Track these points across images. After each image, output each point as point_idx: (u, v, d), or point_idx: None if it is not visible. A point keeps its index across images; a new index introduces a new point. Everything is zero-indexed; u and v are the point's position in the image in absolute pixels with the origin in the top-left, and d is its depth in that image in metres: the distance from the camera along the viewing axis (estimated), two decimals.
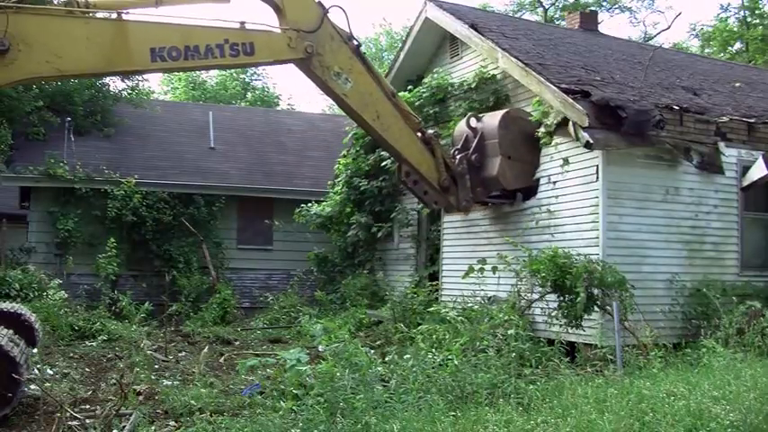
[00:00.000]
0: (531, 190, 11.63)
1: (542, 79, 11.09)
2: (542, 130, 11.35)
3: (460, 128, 11.78)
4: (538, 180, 11.58)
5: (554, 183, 11.27)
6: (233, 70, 42.53)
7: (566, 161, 11.08)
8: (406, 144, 10.39)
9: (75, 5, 7.56)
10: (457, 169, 11.08)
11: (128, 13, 7.73)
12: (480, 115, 11.75)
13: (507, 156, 11.35)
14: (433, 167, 10.78)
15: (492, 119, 11.49)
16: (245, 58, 8.36)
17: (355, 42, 9.58)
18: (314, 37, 8.89)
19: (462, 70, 13.85)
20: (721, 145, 11.37)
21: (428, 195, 11.02)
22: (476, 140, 11.37)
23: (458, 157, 11.22)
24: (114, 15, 7.67)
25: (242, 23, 8.35)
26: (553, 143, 11.25)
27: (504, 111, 11.74)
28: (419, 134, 10.69)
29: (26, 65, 6.98)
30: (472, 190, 11.23)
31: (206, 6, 9.00)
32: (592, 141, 10.12)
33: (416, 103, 13.93)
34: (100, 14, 7.88)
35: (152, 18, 7.93)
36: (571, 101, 10.45)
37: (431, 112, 13.86)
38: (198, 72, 42.12)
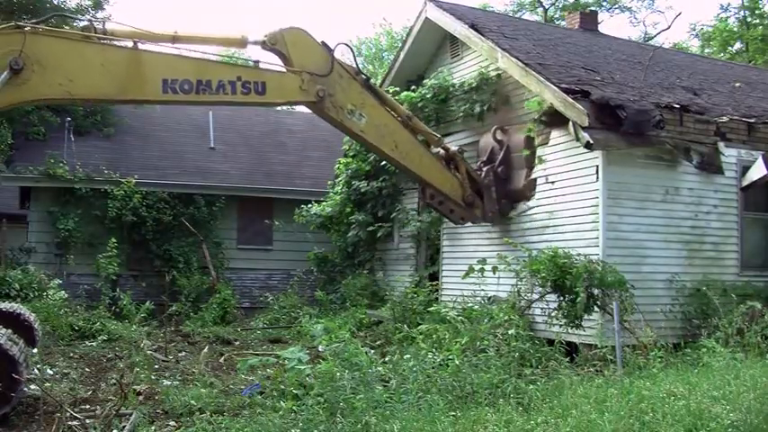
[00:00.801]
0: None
1: (542, 79, 11.09)
2: (535, 127, 11.42)
3: (486, 140, 12.04)
4: (535, 180, 11.63)
5: (552, 182, 11.30)
6: None
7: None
8: (428, 168, 10.51)
9: (92, 31, 7.58)
10: (484, 181, 11.28)
11: (144, 43, 7.74)
12: (506, 128, 11.97)
13: (531, 168, 11.57)
14: (456, 185, 10.90)
15: (518, 132, 11.72)
16: (256, 97, 8.38)
17: (364, 76, 9.66)
18: (326, 80, 8.93)
19: (463, 70, 13.84)
20: (721, 145, 11.37)
21: (454, 213, 11.18)
22: (502, 153, 11.63)
23: (484, 169, 11.42)
24: (131, 44, 7.67)
25: (256, 62, 8.45)
26: (550, 143, 11.26)
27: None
28: (442, 150, 10.80)
29: (38, 86, 7.01)
30: (498, 201, 11.38)
31: (221, 50, 9.03)
32: (592, 141, 10.13)
33: (419, 104, 13.94)
34: (116, 43, 7.87)
35: (168, 49, 7.96)
36: (571, 100, 10.46)
37: (432, 112, 13.86)
38: None
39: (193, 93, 7.85)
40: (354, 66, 9.69)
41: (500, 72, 12.64)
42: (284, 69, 8.76)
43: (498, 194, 11.48)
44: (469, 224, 11.97)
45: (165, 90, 7.71)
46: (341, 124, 9.36)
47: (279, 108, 40.02)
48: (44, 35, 7.08)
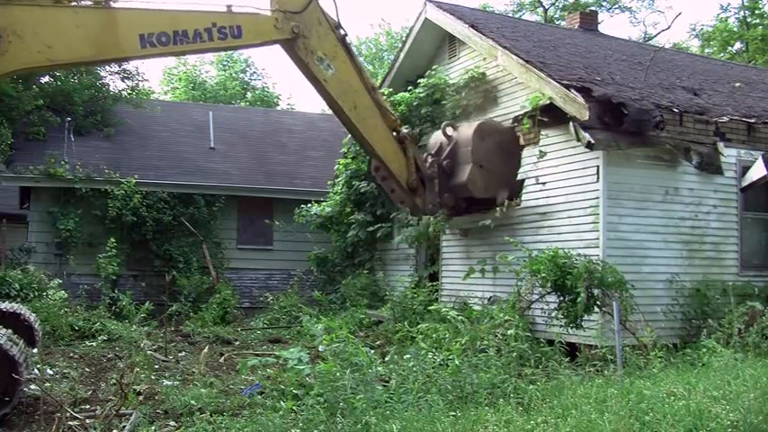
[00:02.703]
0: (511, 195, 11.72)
1: (543, 75, 11.10)
2: (527, 125, 11.45)
3: (436, 136, 11.95)
4: (522, 181, 11.64)
5: (543, 183, 11.34)
6: (233, 70, 42.62)
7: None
8: (380, 139, 10.36)
9: None
10: (427, 172, 11.09)
11: (116, 0, 7.75)
12: (457, 125, 11.88)
13: (479, 165, 11.43)
14: (403, 166, 10.74)
15: (468, 128, 11.65)
16: (233, 41, 8.40)
17: (342, 32, 9.60)
18: (300, 18, 8.92)
19: (460, 71, 13.86)
20: (720, 145, 11.37)
21: (395, 193, 11.03)
22: (449, 147, 11.47)
23: (429, 160, 11.27)
24: (103, 3, 7.69)
25: (229, 7, 8.40)
26: (550, 143, 11.27)
27: (481, 121, 11.85)
28: (394, 133, 10.65)
29: (18, 56, 6.99)
30: (440, 195, 11.25)
31: None
32: (593, 141, 10.13)
33: (414, 104, 13.94)
34: (87, 3, 7.88)
35: (140, 5, 7.96)
36: (572, 95, 10.46)
37: (428, 112, 13.88)
38: (198, 72, 42.28)
39: (171, 44, 7.87)
40: (336, 20, 9.61)
41: (492, 71, 12.74)
42: (257, 10, 8.75)
43: (442, 187, 11.35)
44: (465, 218, 11.92)
45: (143, 45, 7.74)
46: (307, 68, 9.33)
47: (278, 107, 40.29)
48: (15, 4, 7.06)
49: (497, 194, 11.60)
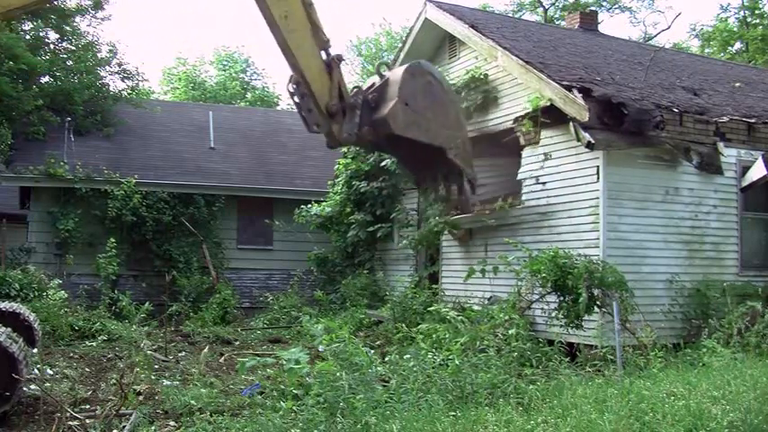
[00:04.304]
0: (434, 152, 10.61)
1: (543, 76, 11.10)
2: (525, 127, 11.40)
3: (371, 78, 11.37)
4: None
5: (543, 183, 11.32)
6: (233, 70, 42.60)
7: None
8: (306, 55, 9.80)
9: None
10: (350, 100, 10.51)
11: None
12: (392, 66, 11.37)
13: (405, 102, 10.80)
14: (326, 88, 10.01)
15: (401, 67, 11.10)
16: None
17: None
18: None
19: (460, 71, 13.87)
20: (720, 145, 11.37)
21: (311, 114, 9.99)
22: (379, 83, 10.90)
23: (355, 90, 10.79)
24: None
25: None
26: (550, 143, 11.27)
27: (417, 62, 11.38)
28: (324, 54, 10.20)
29: None
30: (359, 127, 10.69)
31: None
32: (593, 141, 10.13)
33: None
34: None
35: None
36: (572, 96, 10.46)
37: None
38: (198, 72, 42.29)
39: None
40: None
41: (487, 72, 12.70)
42: None
43: (363, 120, 10.76)
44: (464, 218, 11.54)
45: None
46: None
47: (278, 107, 40.28)
48: None
49: (420, 137, 10.88)
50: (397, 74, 10.67)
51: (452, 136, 10.71)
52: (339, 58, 10.21)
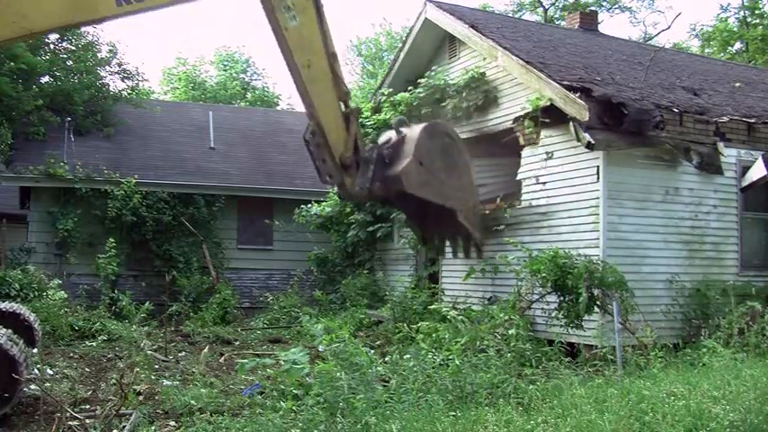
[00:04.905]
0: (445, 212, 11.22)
1: (543, 76, 11.10)
2: (526, 127, 11.39)
3: (388, 133, 11.48)
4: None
5: (543, 183, 11.31)
6: (233, 70, 42.61)
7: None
8: (325, 105, 9.93)
9: None
10: (365, 154, 10.63)
11: None
12: (410, 123, 11.54)
13: (420, 161, 10.90)
14: (341, 140, 10.17)
15: (418, 126, 11.22)
16: None
17: None
18: None
19: (460, 71, 13.87)
20: (720, 145, 11.37)
21: (325, 165, 10.30)
22: (395, 140, 11.00)
23: (371, 145, 10.88)
24: None
25: None
26: (550, 144, 11.26)
27: (435, 121, 11.55)
28: (343, 106, 10.30)
29: None
30: (371, 182, 10.76)
31: None
32: (593, 142, 10.13)
33: (414, 104, 13.93)
34: None
35: None
36: (572, 96, 10.46)
37: (428, 112, 13.86)
38: (198, 72, 42.27)
39: None
40: None
41: (487, 72, 12.70)
42: None
43: (376, 175, 10.86)
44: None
45: (119, 2, 7.62)
46: (272, 14, 9.03)
47: (278, 107, 40.26)
48: None
49: (431, 198, 10.98)
50: (414, 132, 10.80)
51: (464, 199, 10.85)
52: (357, 111, 10.30)
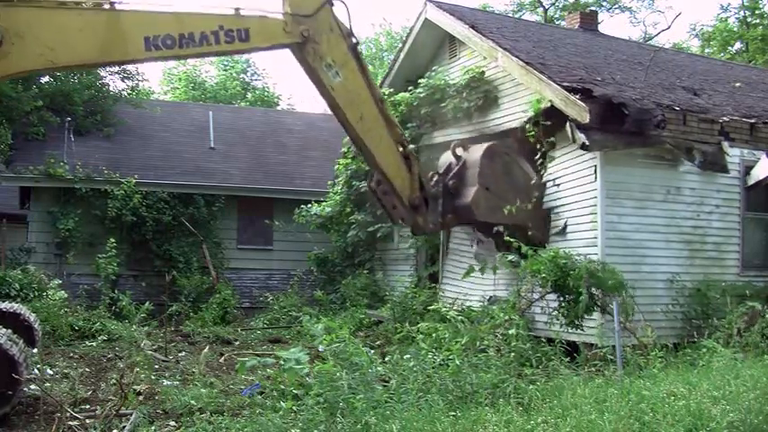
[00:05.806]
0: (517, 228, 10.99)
1: (543, 77, 11.09)
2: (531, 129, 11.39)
3: (446, 156, 11.51)
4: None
5: (557, 185, 11.32)
6: (233, 70, 42.60)
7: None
8: (384, 152, 9.99)
9: None
10: (431, 190, 10.68)
11: (120, 2, 7.67)
12: (468, 145, 11.58)
13: (486, 187, 10.97)
14: (406, 183, 10.24)
15: (477, 149, 11.26)
16: (241, 44, 8.20)
17: (354, 40, 9.47)
18: (311, 22, 8.73)
19: (460, 71, 13.86)
20: (725, 144, 11.35)
21: (396, 210, 10.38)
22: (457, 168, 11.09)
23: (435, 179, 10.97)
24: (107, 5, 7.61)
25: (237, 9, 8.19)
26: (555, 149, 11.27)
27: (491, 143, 11.57)
28: (400, 147, 10.37)
29: (20, 58, 6.93)
30: (443, 215, 10.83)
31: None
32: (588, 143, 10.13)
33: (414, 104, 13.93)
34: (92, 3, 7.81)
35: (145, 6, 7.87)
36: (573, 98, 10.44)
37: (428, 112, 13.88)
38: (198, 72, 42.26)
39: (177, 47, 7.72)
40: (348, 27, 9.44)
41: (488, 72, 12.70)
42: (265, 13, 8.53)
43: (445, 208, 10.76)
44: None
45: (148, 47, 7.62)
46: (315, 74, 9.13)
47: (278, 107, 40.28)
48: (19, 6, 6.99)
49: (502, 221, 11.03)
50: (474, 156, 10.97)
51: (533, 216, 10.96)
52: (416, 151, 10.27)
